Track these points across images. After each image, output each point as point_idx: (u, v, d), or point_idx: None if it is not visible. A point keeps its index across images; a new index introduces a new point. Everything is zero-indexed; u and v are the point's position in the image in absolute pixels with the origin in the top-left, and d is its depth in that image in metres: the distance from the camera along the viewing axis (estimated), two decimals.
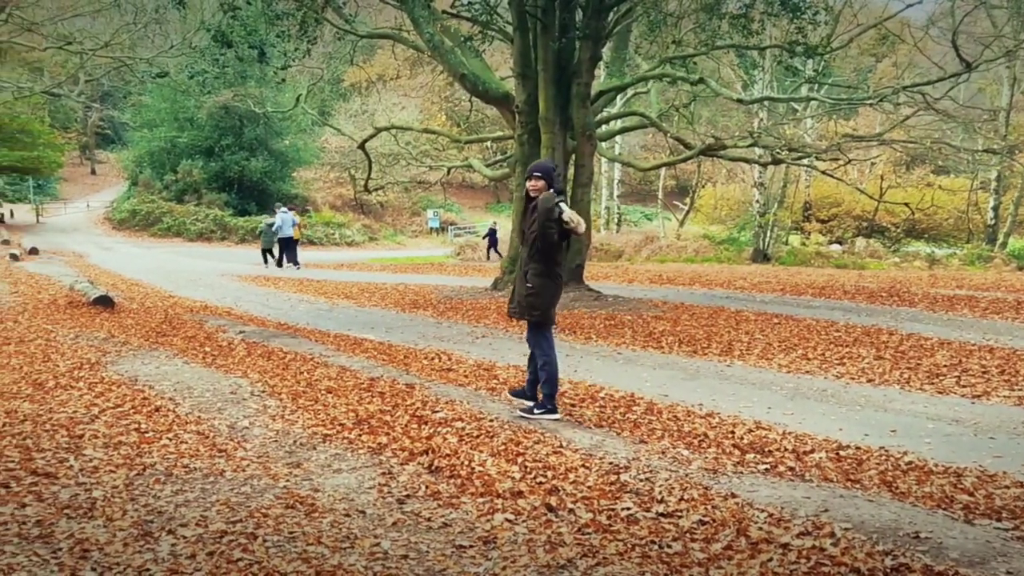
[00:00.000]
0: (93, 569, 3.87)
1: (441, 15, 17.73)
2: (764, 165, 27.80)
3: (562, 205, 6.68)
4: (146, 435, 6.20)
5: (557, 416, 6.84)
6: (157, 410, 6.98)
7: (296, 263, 26.43)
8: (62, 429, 6.28)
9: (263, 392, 7.69)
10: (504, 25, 17.90)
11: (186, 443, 6.02)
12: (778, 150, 22.86)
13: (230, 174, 46.55)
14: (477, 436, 6.17)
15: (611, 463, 5.52)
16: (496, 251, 34.55)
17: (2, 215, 44.42)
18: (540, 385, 6.94)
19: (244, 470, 5.44)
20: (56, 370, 8.63)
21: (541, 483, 5.13)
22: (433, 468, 5.47)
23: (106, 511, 4.63)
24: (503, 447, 5.88)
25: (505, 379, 8.54)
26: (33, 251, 30.30)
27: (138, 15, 30.92)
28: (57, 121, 48.95)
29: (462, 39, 17.93)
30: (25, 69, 42.83)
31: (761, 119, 30.89)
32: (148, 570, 3.88)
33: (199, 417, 6.79)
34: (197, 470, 5.43)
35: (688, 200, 44.67)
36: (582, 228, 6.79)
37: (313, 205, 52.09)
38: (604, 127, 23.63)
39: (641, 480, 5.19)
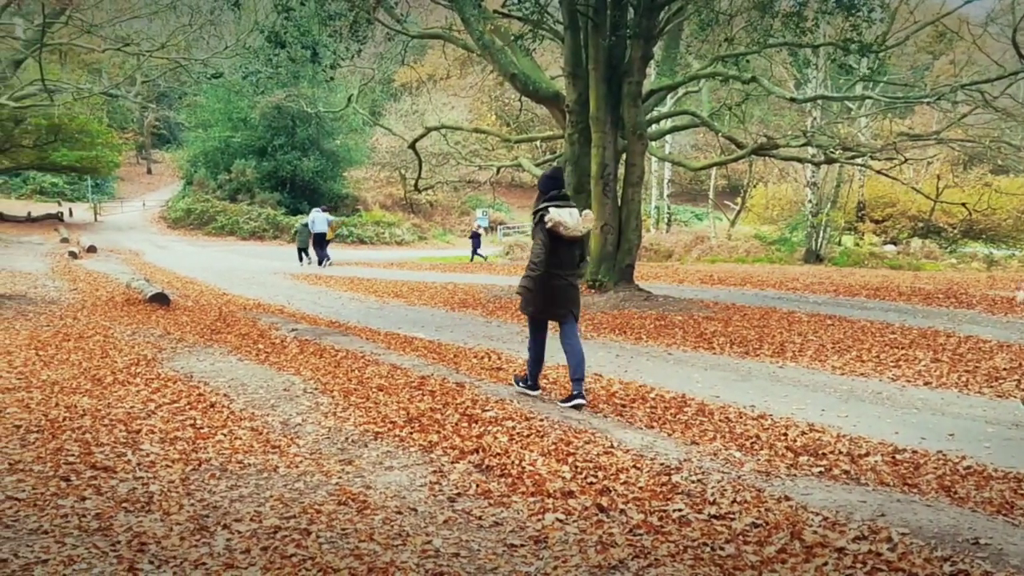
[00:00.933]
0: (151, 562, 3.94)
1: (492, 14, 17.75)
2: (817, 164, 27.48)
3: (551, 211, 7.21)
4: (201, 431, 6.30)
5: (536, 393, 7.75)
6: (212, 406, 7.08)
7: (321, 260, 27.15)
8: (120, 424, 6.40)
9: (315, 389, 7.76)
10: (555, 24, 17.89)
11: (240, 439, 6.10)
12: (832, 149, 22.57)
13: (282, 174, 47.09)
14: (527, 435, 6.17)
15: (662, 464, 5.49)
16: (479, 253, 33.50)
17: (62, 214, 45.37)
18: (573, 374, 7.39)
19: (297, 466, 5.49)
20: (114, 366, 8.79)
21: (592, 483, 5.12)
22: (484, 467, 5.48)
23: (163, 505, 4.71)
24: (553, 447, 5.87)
25: (555, 379, 8.53)
26: (91, 249, 30.91)
27: (194, 17, 31.38)
28: (115, 121, 49.79)
29: (512, 38, 17.94)
30: (84, 71, 43.67)
31: (814, 118, 30.49)
32: (204, 564, 3.93)
33: (253, 413, 6.88)
34: (251, 466, 5.50)
35: (739, 200, 44.25)
36: (583, 224, 7.31)
37: (363, 204, 52.50)
38: (655, 126, 23.51)
39: (693, 481, 5.15)
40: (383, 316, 14.09)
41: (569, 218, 7.21)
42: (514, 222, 57.94)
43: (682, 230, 47.45)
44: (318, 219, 27.29)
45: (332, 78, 20.64)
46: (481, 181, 46.94)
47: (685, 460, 5.60)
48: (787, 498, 4.85)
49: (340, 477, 5.28)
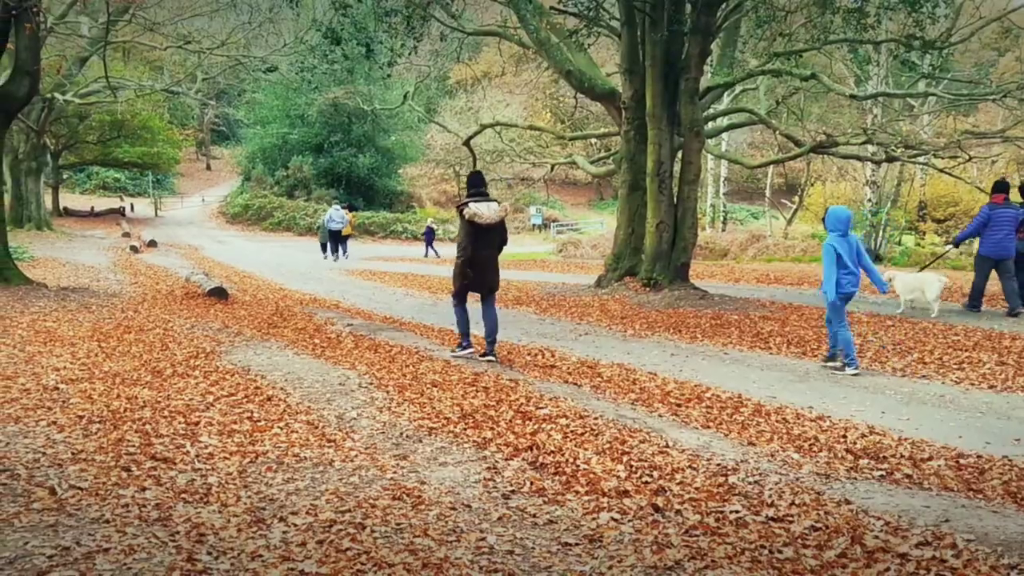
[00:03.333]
0: (208, 553, 3.98)
1: (547, 11, 17.71)
2: (877, 163, 26.94)
3: (470, 204, 8.92)
4: (258, 424, 6.36)
5: (471, 351, 9.43)
6: (269, 399, 7.15)
7: (337, 256, 28.23)
8: (179, 416, 6.49)
9: (370, 384, 7.81)
10: (611, 20, 17.79)
11: (297, 432, 6.15)
12: (893, 147, 22.12)
13: (338, 170, 47.54)
14: (582, 433, 6.13)
15: (719, 465, 5.42)
16: (433, 249, 32.55)
17: (124, 209, 46.30)
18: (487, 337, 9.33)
19: (352, 460, 5.52)
20: (173, 358, 8.93)
21: (647, 483, 5.07)
22: (538, 464, 5.46)
23: (221, 497, 4.76)
24: (608, 445, 5.83)
25: (609, 377, 8.48)
26: (152, 243, 31.50)
27: (253, 14, 31.89)
28: (176, 118, 50.72)
29: (567, 35, 17.88)
30: (147, 68, 44.50)
31: (875, 115, 29.94)
32: (260, 556, 3.97)
33: (309, 407, 6.93)
34: (307, 459, 5.54)
35: (796, 198, 43.64)
36: (498, 213, 9.01)
37: (417, 201, 52.80)
38: (711, 124, 23.29)
39: (750, 483, 5.08)
40: (437, 312, 14.13)
41: (486, 210, 8.95)
42: (568, 219, 57.81)
43: (737, 229, 46.97)
44: (334, 217, 28.32)
45: (388, 75, 20.81)
46: (535, 178, 46.90)
47: (742, 461, 5.52)
48: (847, 501, 4.76)
49: (395, 472, 5.30)
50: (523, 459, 5.56)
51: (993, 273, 12.69)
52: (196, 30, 33.79)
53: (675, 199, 15.33)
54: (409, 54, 17.42)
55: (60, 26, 28.39)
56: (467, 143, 25.15)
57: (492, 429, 6.24)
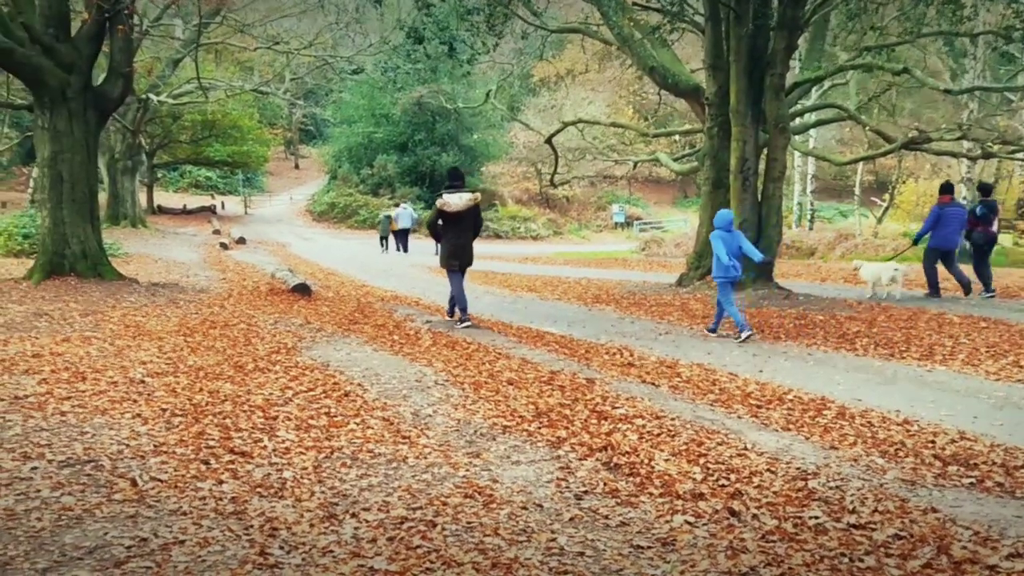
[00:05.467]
0: (281, 547, 4.02)
1: (631, 7, 17.54)
2: (973, 159, 26.06)
3: (443, 196, 11.03)
4: (335, 419, 6.42)
5: (454, 318, 11.71)
6: (346, 395, 7.22)
7: (404, 250, 29.89)
8: (258, 410, 6.59)
9: (446, 381, 7.82)
10: (695, 15, 17.54)
11: (372, 428, 6.19)
12: (990, 143, 21.34)
13: (422, 168, 47.96)
14: (658, 434, 6.03)
15: (799, 469, 5.27)
16: (403, 245, 31.48)
17: (215, 206, 47.48)
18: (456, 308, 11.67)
19: (426, 457, 5.53)
20: (255, 353, 9.08)
21: (723, 486, 4.96)
22: (612, 465, 5.39)
23: (295, 492, 4.81)
24: (684, 447, 5.73)
25: (688, 377, 8.33)
26: (240, 240, 32.22)
27: (340, 15, 32.33)
28: (265, 118, 51.83)
29: (651, 31, 17.69)
30: (237, 68, 45.55)
31: (971, 110, 28.95)
32: (332, 551, 3.98)
33: (385, 403, 6.97)
34: (381, 455, 5.56)
35: (887, 196, 42.46)
36: (465, 203, 10.94)
37: (500, 199, 52.90)
38: (798, 120, 22.77)
39: (831, 488, 4.92)
40: (515, 310, 14.12)
41: (458, 200, 10.92)
42: (650, 217, 57.32)
43: (825, 227, 45.90)
44: (402, 215, 30.12)
45: (469, 72, 20.89)
46: (618, 176, 46.60)
47: (823, 465, 5.36)
48: (934, 510, 4.57)
49: (467, 470, 5.28)
50: (597, 459, 5.49)
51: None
52: (285, 31, 34.45)
53: (759, 197, 15.03)
54: (490, 52, 17.45)
55: (154, 29, 29.27)
56: (549, 141, 25.08)
57: (567, 428, 6.18)
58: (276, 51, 33.38)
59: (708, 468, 5.28)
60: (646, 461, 5.42)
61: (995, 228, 14.69)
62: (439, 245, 11.52)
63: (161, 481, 4.95)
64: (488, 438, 5.99)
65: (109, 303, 12.71)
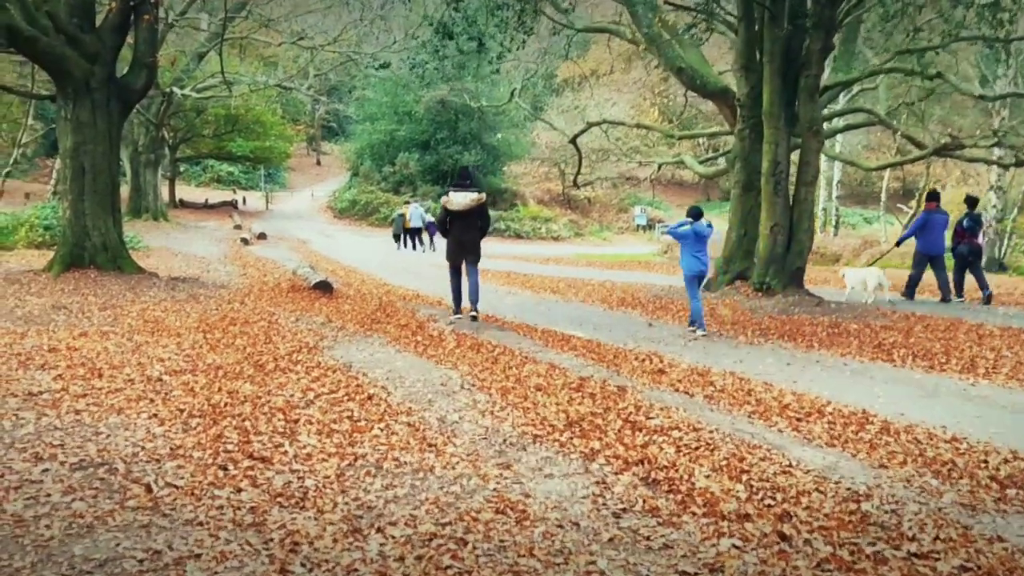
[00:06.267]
0: (303, 564, 3.77)
1: (661, 7, 17.26)
2: (1005, 167, 25.59)
3: (449, 194, 11.49)
4: (358, 424, 6.17)
5: (459, 316, 11.85)
6: (370, 398, 6.97)
7: (415, 248, 30.64)
8: (279, 413, 6.35)
9: (473, 386, 7.56)
10: (727, 16, 17.22)
11: (397, 434, 5.94)
12: (1023, 151, 20.91)
13: (444, 167, 47.70)
14: (696, 448, 5.75)
15: (849, 489, 4.98)
16: (414, 243, 31.29)
17: (236, 201, 47.42)
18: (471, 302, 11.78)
19: (454, 468, 5.27)
20: (276, 352, 8.85)
21: (770, 506, 4.67)
22: (650, 480, 5.11)
23: (317, 502, 4.56)
24: (725, 462, 5.44)
25: (722, 386, 8.03)
26: (261, 236, 32.08)
27: (364, 11, 32.16)
28: (288, 114, 51.70)
29: (685, 28, 17.44)
30: (261, 64, 45.48)
31: (1003, 117, 28.45)
32: (356, 570, 3.74)
33: (410, 408, 6.72)
34: (407, 464, 5.31)
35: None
36: (468, 202, 11.28)
37: (521, 199, 52.59)
38: (826, 124, 22.41)
39: (886, 512, 4.62)
40: (539, 312, 13.85)
41: (462, 199, 11.29)
42: (673, 220, 56.83)
43: (850, 233, 45.36)
44: (414, 214, 31.04)
45: (497, 70, 20.64)
46: (641, 178, 46.25)
47: (875, 486, 5.06)
48: (1000, 539, 4.27)
49: (498, 482, 5.02)
50: (634, 474, 5.22)
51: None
52: (309, 27, 34.29)
53: (790, 201, 14.71)
54: (519, 48, 17.20)
55: (180, 22, 29.18)
56: (573, 141, 24.84)
57: (600, 439, 5.91)
58: (301, 47, 33.23)
59: (752, 486, 5.00)
60: (686, 477, 5.14)
61: (980, 239, 15.41)
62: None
63: (177, 487, 4.72)
64: (518, 448, 5.72)
65: (128, 297, 12.54)
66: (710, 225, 11.55)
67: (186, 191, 49.08)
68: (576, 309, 14.45)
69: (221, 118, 40.75)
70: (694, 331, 11.44)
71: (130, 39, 15.93)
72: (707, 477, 5.14)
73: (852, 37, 18.70)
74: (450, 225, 11.53)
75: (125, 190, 33.81)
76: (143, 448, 5.42)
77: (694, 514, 4.55)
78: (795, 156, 15.40)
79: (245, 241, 29.51)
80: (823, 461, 5.54)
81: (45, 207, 24.21)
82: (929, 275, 15.33)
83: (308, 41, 32.30)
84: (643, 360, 9.41)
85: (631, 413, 6.64)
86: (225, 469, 5.07)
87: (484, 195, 11.57)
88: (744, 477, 5.15)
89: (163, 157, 37.85)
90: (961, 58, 28.20)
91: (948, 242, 15.40)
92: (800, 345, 10.74)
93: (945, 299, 14.83)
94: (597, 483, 5.04)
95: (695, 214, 11.58)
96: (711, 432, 6.14)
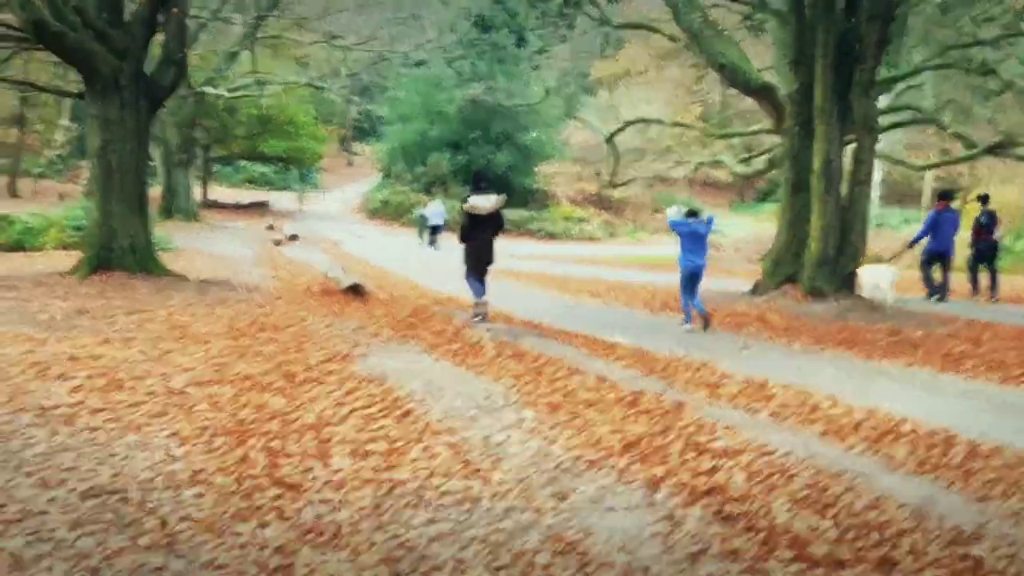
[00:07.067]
0: None
1: (700, 2, 16.73)
2: None
3: (471, 198, 11.38)
4: (395, 444, 5.65)
5: (477, 318, 11.63)
6: (407, 414, 6.44)
7: (433, 244, 31.05)
8: (309, 431, 5.85)
9: (517, 401, 7.01)
10: (774, 9, 16.59)
11: (438, 458, 5.41)
12: None
13: (476, 167, 47.20)
14: (770, 475, 5.18)
15: (953, 527, 4.38)
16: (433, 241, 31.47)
17: (268, 202, 47.21)
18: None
19: (503, 498, 4.73)
20: (307, 361, 8.36)
21: (866, 549, 4.09)
22: (724, 515, 4.54)
23: (351, 540, 4.05)
24: (806, 493, 4.86)
25: (784, 401, 7.42)
26: (293, 237, 31.75)
27: (397, 10, 31.85)
28: (320, 114, 51.46)
29: (744, 18, 16.94)
30: (293, 63, 45.25)
31: None
32: None
33: (451, 426, 6.18)
34: (450, 494, 4.77)
35: (957, 203, 40.75)
36: (492, 205, 11.25)
37: (553, 199, 51.97)
38: None
39: (1002, 557, 4.03)
40: (579, 316, 13.30)
41: (486, 202, 11.22)
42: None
43: (891, 234, 44.34)
44: (436, 213, 31.69)
45: (538, 66, 20.12)
46: (675, 178, 45.55)
47: (982, 524, 4.46)
48: None
49: (554, 517, 4.47)
50: (705, 507, 4.65)
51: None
52: (342, 26, 34.01)
53: (842, 201, 14.04)
54: (561, 42, 16.68)
55: (212, 21, 28.94)
56: (610, 140, 24.36)
57: (662, 464, 5.35)
58: (333, 45, 32.93)
59: (841, 523, 4.42)
60: (764, 511, 4.57)
61: (996, 235, 16.02)
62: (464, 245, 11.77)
63: (195, 521, 4.22)
64: (573, 475, 5.17)
65: (155, 301, 12.12)
66: (710, 221, 12.03)
67: (219, 192, 48.94)
68: (617, 313, 13.90)
69: (254, 118, 40.51)
70: (683, 324, 11.96)
71: (160, 37, 15.58)
72: (788, 511, 4.57)
73: (899, 32, 17.99)
74: (472, 229, 11.58)
75: (157, 190, 33.71)
76: (161, 473, 4.93)
77: (781, 559, 3.98)
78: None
79: (277, 242, 29.19)
80: (916, 492, 4.94)
81: (76, 208, 23.97)
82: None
83: (340, 40, 32.00)
84: (696, 370, 8.83)
85: (692, 433, 6.07)
86: (250, 498, 4.56)
87: (505, 197, 11.67)
88: (829, 512, 4.57)
89: (195, 157, 37.71)
90: (1012, 54, 27.30)
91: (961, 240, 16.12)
92: (860, 354, 10.11)
93: (942, 297, 15.36)
94: (665, 518, 4.48)
95: (690, 214, 12.10)
96: (783, 456, 5.56)
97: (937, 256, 15.64)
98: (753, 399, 7.47)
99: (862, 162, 13.81)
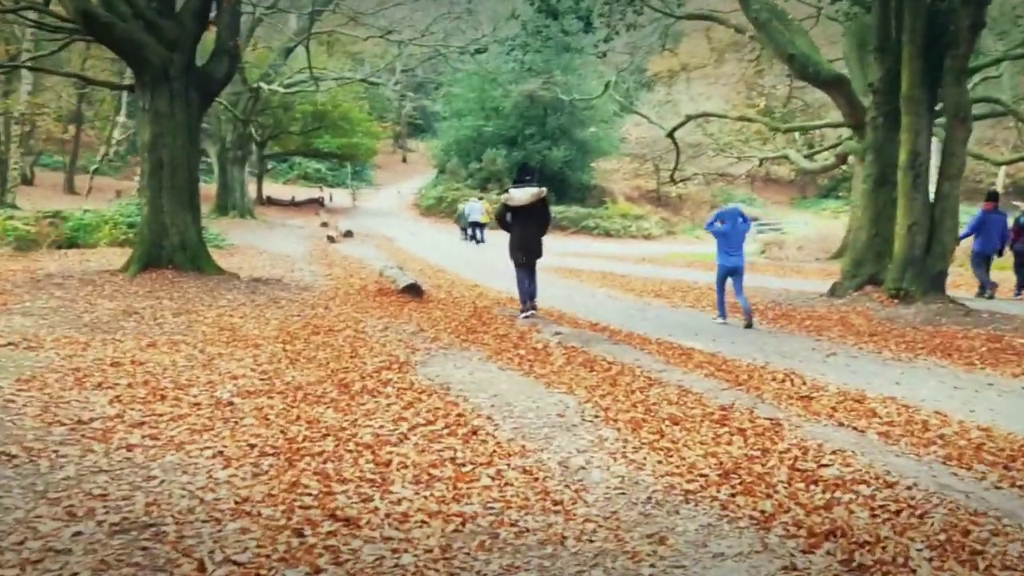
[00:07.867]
0: None
1: None
2: None
3: (510, 191, 11.49)
4: (463, 468, 5.03)
5: (528, 314, 11.36)
6: (474, 433, 5.81)
7: (479, 240, 31.32)
8: (367, 451, 5.25)
9: (595, 416, 6.34)
10: None
11: (511, 485, 4.78)
12: None
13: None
14: (897, 512, 4.45)
15: None
16: (474, 236, 31.91)
17: (323, 199, 47.06)
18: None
19: (590, 539, 4.07)
20: (363, 368, 7.79)
21: None
22: (852, 565, 3.83)
23: None
24: (944, 537, 4.13)
25: (888, 417, 6.66)
26: (348, 234, 31.44)
27: (453, 4, 31.30)
28: (375, 110, 51.21)
29: (789, 16, 16.16)
30: (348, 59, 44.95)
31: None
32: None
33: (523, 447, 5.54)
34: (529, 532, 4.13)
35: None
36: (529, 198, 11.16)
37: (610, 196, 51.12)
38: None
39: None
40: (647, 319, 12.59)
41: (522, 194, 11.17)
42: (768, 218, 54.67)
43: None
44: (474, 209, 32.41)
45: (605, 53, 19.39)
46: (735, 174, 44.52)
47: None
48: None
49: (653, 564, 3.80)
50: (828, 552, 3.94)
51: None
52: (397, 21, 33.54)
53: (930, 197, 13.14)
54: (628, 29, 15.96)
55: (268, 16, 28.65)
56: (671, 135, 23.61)
57: (768, 497, 4.65)
58: (389, 40, 32.51)
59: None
60: (901, 560, 3.85)
61: None
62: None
63: (238, 565, 3.63)
64: (668, 509, 4.49)
65: (205, 301, 11.66)
66: (745, 220, 12.10)
67: (273, 188, 48.93)
68: (687, 316, 13.16)
69: (308, 115, 40.32)
70: (717, 318, 12.41)
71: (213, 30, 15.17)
72: (929, 562, 3.85)
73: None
74: (512, 221, 11.45)
75: (213, 187, 33.60)
76: (202, 500, 4.37)
77: None
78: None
79: (331, 239, 28.87)
80: None
81: (129, 204, 23.79)
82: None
83: (395, 36, 31.55)
84: (782, 381, 8.08)
85: (797, 457, 5.36)
86: (301, 535, 3.97)
87: (544, 190, 11.57)
88: (981, 564, 3.84)
89: (250, 154, 37.58)
90: None
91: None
92: (959, 363, 9.26)
93: (991, 296, 15.34)
94: (785, 569, 3.79)
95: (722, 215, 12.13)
96: (909, 488, 4.82)
97: (986, 257, 15.75)
98: (854, 415, 6.72)
99: (954, 155, 12.84)
